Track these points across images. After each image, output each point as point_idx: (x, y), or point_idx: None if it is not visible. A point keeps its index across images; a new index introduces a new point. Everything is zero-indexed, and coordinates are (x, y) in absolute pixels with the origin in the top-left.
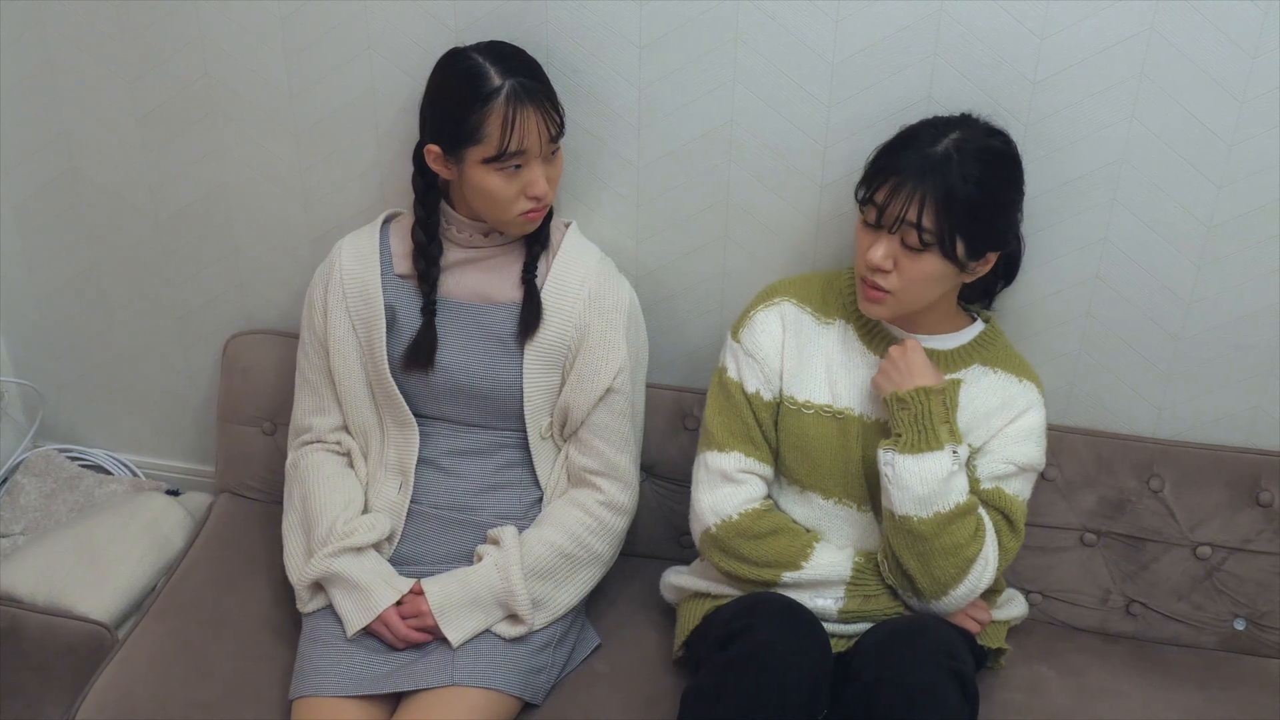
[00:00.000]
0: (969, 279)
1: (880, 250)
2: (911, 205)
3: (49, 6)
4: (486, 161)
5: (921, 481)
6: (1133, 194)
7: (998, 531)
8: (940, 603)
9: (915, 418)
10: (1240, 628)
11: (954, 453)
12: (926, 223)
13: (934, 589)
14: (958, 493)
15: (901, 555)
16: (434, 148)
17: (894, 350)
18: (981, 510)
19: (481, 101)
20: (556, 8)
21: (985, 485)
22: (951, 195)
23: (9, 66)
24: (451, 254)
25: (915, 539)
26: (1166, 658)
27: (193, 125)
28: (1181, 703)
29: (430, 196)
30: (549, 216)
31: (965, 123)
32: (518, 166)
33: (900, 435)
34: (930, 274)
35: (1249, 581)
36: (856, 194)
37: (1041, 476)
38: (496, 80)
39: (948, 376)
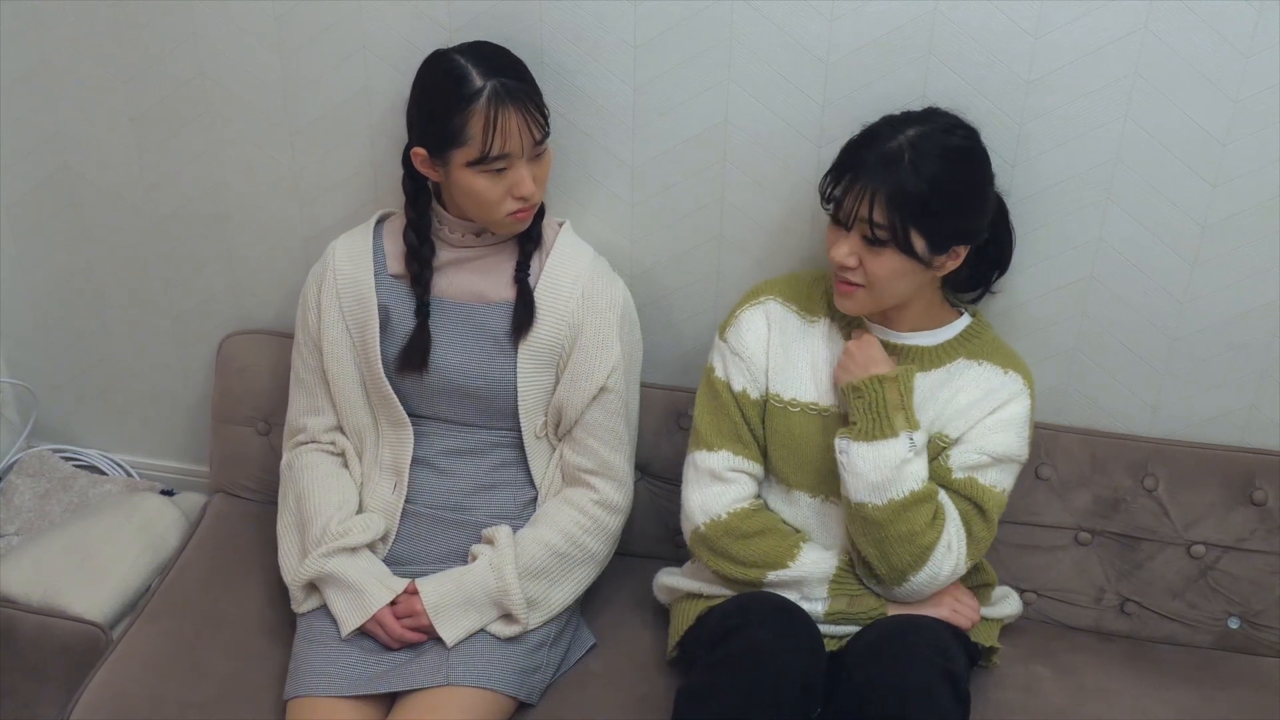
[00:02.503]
0: (938, 273)
1: (844, 248)
2: (863, 202)
3: (44, 6)
4: (471, 164)
5: (875, 468)
6: (1127, 193)
7: (968, 521)
8: (901, 590)
9: (869, 405)
10: (1235, 626)
11: (910, 439)
12: (878, 218)
13: (892, 575)
14: (913, 480)
15: (860, 542)
16: (420, 151)
17: (850, 344)
18: (943, 499)
19: (463, 103)
20: (551, 7)
21: (957, 475)
22: (901, 191)
23: (4, 66)
24: (444, 254)
25: (870, 526)
26: (1161, 656)
27: (187, 125)
28: (1176, 701)
29: (421, 199)
30: (540, 215)
31: (927, 117)
32: (502, 168)
33: (855, 423)
34: (894, 269)
35: (1243, 580)
36: (820, 190)
37: (1036, 476)
38: (478, 82)
39: (936, 371)
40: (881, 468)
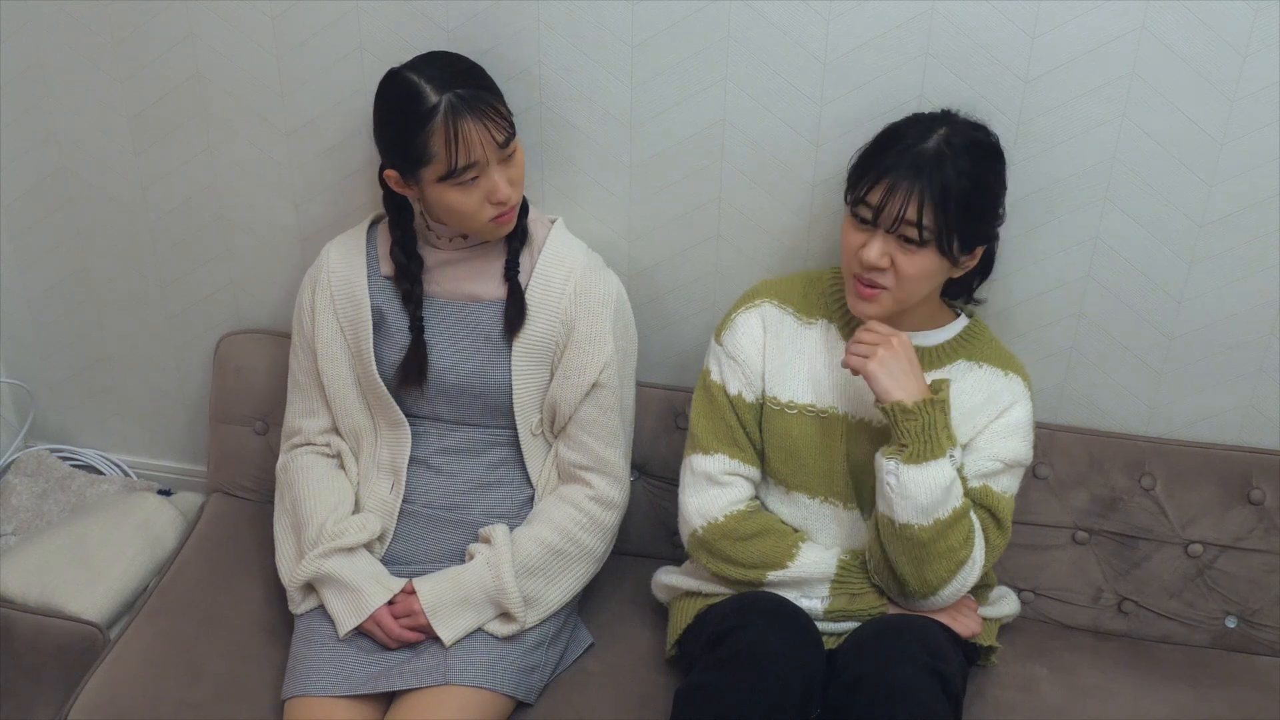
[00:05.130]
0: (958, 273)
1: (876, 249)
2: (910, 203)
3: (40, 6)
4: (441, 179)
5: (927, 491)
6: (1124, 192)
7: (985, 529)
8: (928, 601)
9: (922, 429)
10: (1232, 625)
11: (952, 456)
12: (926, 220)
13: (924, 589)
14: (955, 498)
15: (898, 561)
16: (392, 173)
17: (895, 341)
18: (971, 512)
19: (421, 122)
20: (548, 7)
21: (972, 483)
22: (948, 191)
23: (1, 66)
24: (435, 255)
25: (915, 545)
26: (1158, 655)
27: (184, 125)
28: (1173, 700)
29: (404, 216)
30: (525, 212)
31: (948, 119)
32: (474, 177)
33: (906, 446)
34: (926, 269)
35: (1240, 579)
36: (846, 197)
37: (1034, 475)
38: (433, 98)
39: (936, 372)
40: (933, 490)
